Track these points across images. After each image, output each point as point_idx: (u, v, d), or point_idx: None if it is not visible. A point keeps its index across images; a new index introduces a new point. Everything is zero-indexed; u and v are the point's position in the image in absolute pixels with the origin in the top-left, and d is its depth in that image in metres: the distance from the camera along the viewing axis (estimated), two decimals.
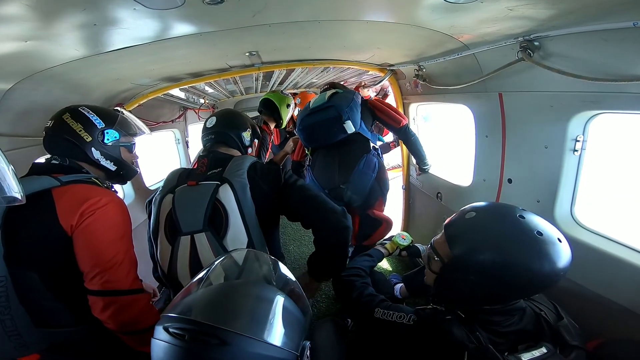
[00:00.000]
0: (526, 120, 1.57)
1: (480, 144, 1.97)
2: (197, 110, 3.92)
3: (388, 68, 2.64)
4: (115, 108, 1.38)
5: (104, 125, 1.30)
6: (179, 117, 3.47)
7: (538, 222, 0.99)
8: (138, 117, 2.61)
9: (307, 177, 2.54)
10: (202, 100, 3.98)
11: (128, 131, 1.39)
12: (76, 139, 1.23)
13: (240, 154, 1.60)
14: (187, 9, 1.06)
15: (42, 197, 1.08)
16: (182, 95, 3.32)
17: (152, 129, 3.00)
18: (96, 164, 1.29)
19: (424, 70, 2.21)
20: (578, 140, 1.35)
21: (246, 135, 1.63)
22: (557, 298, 1.21)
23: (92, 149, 1.27)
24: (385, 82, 2.83)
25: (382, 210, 2.56)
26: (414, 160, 2.92)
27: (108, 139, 1.30)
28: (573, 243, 1.26)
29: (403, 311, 1.16)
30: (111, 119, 1.33)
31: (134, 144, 1.45)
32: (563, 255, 0.93)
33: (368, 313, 1.23)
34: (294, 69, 2.78)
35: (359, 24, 1.49)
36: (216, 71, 2.38)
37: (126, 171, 1.43)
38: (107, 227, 1.14)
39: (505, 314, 1.04)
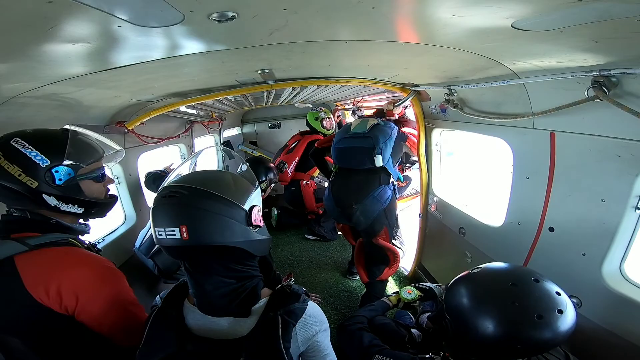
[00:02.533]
0: (581, 168, 1.34)
1: (518, 184, 1.74)
2: (205, 123, 3.72)
3: (412, 88, 2.42)
4: (65, 127, 1.10)
5: (49, 163, 0.98)
6: (185, 132, 3.28)
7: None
8: (141, 134, 2.43)
9: (325, 191, 2.70)
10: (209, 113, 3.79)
11: (86, 159, 1.08)
12: (18, 186, 0.96)
13: None
14: (188, 26, 0.85)
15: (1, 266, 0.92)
16: (189, 110, 3.13)
17: (156, 145, 2.81)
18: (57, 210, 1.04)
19: (456, 94, 1.98)
20: None
21: None
22: (605, 354, 1.26)
23: (44, 195, 1.00)
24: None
25: (387, 240, 2.62)
26: (433, 189, 2.76)
27: (60, 179, 1.01)
28: (620, 299, 1.24)
29: (399, 358, 1.25)
30: (58, 150, 1.01)
31: (102, 171, 1.16)
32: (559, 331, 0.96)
33: (367, 359, 1.29)
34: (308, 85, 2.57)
35: (393, 45, 1.28)
36: (225, 87, 2.18)
37: (98, 208, 1.17)
38: (99, 304, 1.02)
39: None
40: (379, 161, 2.39)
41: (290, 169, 3.99)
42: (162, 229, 0.81)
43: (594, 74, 1.05)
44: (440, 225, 2.70)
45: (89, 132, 1.22)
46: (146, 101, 2.14)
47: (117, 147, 1.34)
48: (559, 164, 1.44)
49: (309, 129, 4.26)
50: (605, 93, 1.05)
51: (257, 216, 0.90)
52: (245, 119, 5.84)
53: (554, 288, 1.02)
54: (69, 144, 1.04)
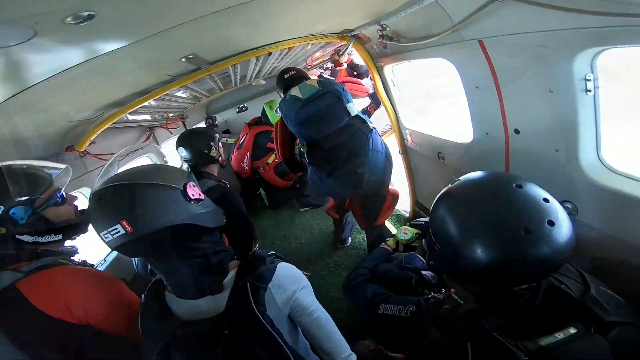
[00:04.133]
0: (519, 66, 1.33)
1: (472, 97, 1.73)
2: (165, 125, 3.65)
3: (349, 35, 2.34)
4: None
5: (2, 209, 0.99)
6: (146, 139, 3.22)
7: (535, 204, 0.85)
8: (98, 153, 2.38)
9: (309, 173, 2.39)
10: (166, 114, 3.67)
11: (37, 190, 1.07)
12: None
13: None
14: (51, 36, 0.82)
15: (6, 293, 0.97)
16: (138, 117, 3.02)
17: (122, 162, 2.76)
18: (38, 243, 1.06)
19: (388, 28, 1.92)
20: (589, 80, 1.14)
21: None
22: (596, 256, 1.16)
23: (17, 237, 1.02)
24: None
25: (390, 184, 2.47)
26: (403, 123, 2.72)
27: (22, 218, 1.01)
28: (604, 191, 1.19)
29: (402, 303, 1.17)
30: (2, 193, 1.01)
31: (59, 193, 1.14)
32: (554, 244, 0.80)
33: (374, 311, 1.25)
34: (249, 59, 2.47)
35: None
36: (161, 84, 2.12)
37: (75, 229, 1.17)
38: (105, 310, 1.07)
39: (513, 296, 0.89)
40: (352, 109, 2.15)
41: (245, 164, 4.21)
42: (106, 231, 0.81)
43: None
44: (421, 157, 2.69)
45: (23, 161, 1.18)
46: (88, 119, 2.09)
47: (61, 166, 1.30)
48: (498, 68, 1.43)
49: (257, 118, 4.33)
50: None
51: (193, 190, 0.90)
52: (210, 111, 5.69)
53: (540, 194, 0.85)
54: (8, 183, 1.03)
